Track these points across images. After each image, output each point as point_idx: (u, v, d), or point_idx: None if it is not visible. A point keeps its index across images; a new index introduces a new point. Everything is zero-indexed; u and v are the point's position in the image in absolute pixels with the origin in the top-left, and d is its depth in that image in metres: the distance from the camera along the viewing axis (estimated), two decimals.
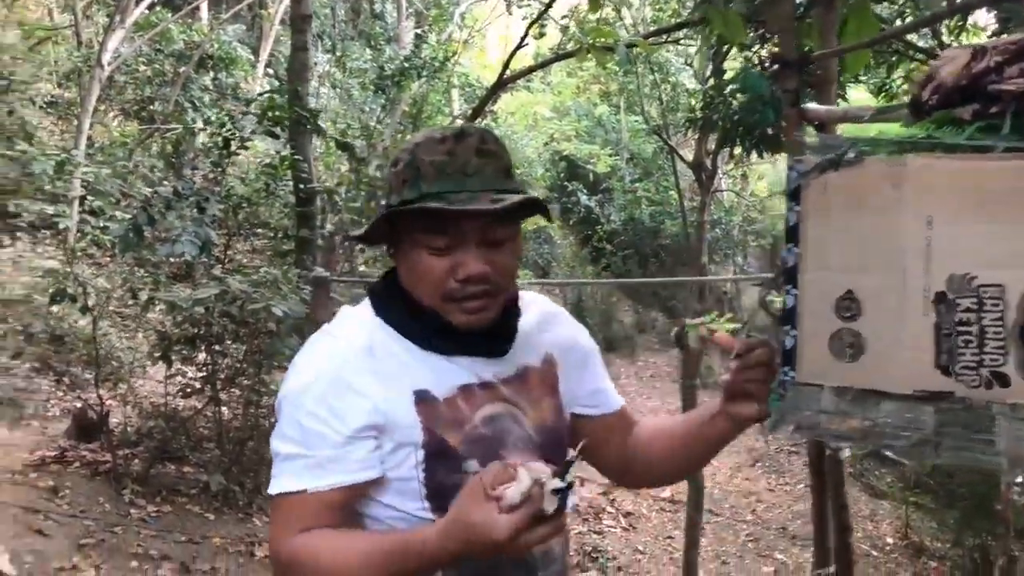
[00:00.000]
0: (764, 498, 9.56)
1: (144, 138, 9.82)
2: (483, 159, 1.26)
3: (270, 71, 13.03)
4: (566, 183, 16.47)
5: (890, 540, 8.88)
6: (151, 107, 10.38)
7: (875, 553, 8.37)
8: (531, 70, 8.27)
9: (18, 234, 8.23)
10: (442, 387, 1.30)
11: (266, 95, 7.07)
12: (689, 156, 14.27)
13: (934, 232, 1.24)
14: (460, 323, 1.29)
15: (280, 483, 1.24)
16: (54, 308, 6.51)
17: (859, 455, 10.38)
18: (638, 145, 16.95)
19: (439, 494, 1.26)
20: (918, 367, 1.24)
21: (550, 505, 1.06)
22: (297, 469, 1.24)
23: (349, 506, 1.26)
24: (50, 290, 5.54)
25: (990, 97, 1.27)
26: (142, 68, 10.46)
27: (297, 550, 1.22)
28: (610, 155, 16.48)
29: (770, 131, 4.98)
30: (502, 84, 7.55)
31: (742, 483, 9.93)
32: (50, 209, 6.25)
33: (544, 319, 1.47)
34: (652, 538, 8.11)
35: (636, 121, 15.93)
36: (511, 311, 1.39)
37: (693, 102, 12.13)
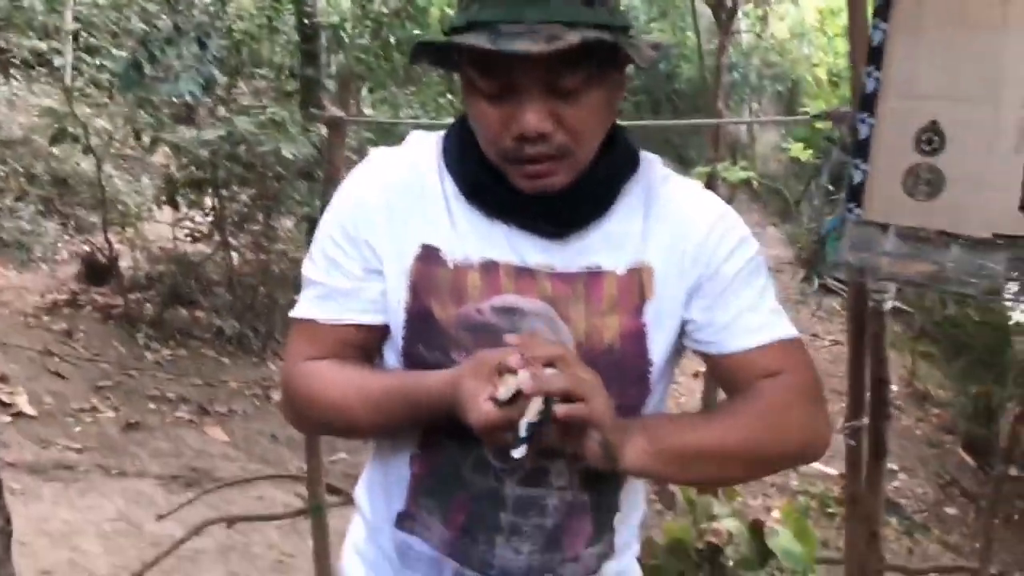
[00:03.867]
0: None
1: None
2: None
3: None
4: None
5: (895, 387, 9.02)
6: None
7: None
8: None
9: (12, 72, 7.97)
10: (460, 251, 1.08)
11: None
12: None
13: None
14: (522, 188, 1.05)
15: (298, 307, 1.15)
16: (55, 149, 6.36)
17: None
18: None
19: (418, 368, 1.10)
20: (1000, 208, 1.12)
21: (521, 429, 0.93)
22: (312, 296, 1.13)
23: (366, 346, 1.14)
24: (50, 130, 5.38)
25: None
26: None
27: (300, 374, 1.13)
28: None
29: None
30: None
31: None
32: (43, 45, 5.98)
33: (679, 216, 1.12)
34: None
35: None
36: (600, 186, 1.09)
37: None
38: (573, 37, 0.92)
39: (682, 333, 1.12)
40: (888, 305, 2.09)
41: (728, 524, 3.08)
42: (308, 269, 1.14)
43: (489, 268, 1.07)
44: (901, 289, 1.28)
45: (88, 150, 5.44)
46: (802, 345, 1.12)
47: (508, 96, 0.99)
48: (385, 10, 7.08)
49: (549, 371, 0.94)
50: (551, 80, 0.97)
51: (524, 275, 1.07)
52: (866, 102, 1.20)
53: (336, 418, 1.12)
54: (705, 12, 14.33)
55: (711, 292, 1.09)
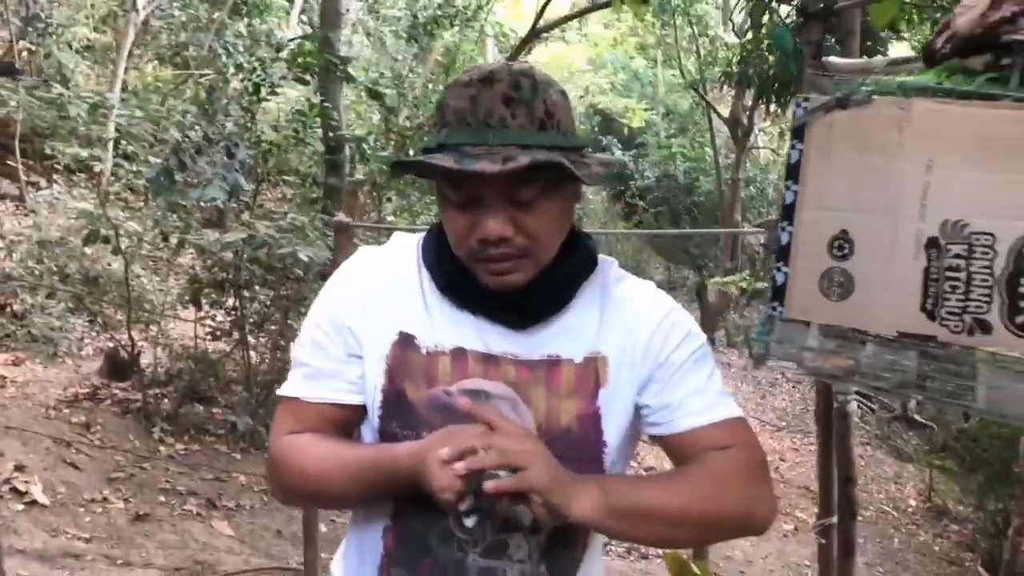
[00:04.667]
0: (788, 457, 9.58)
1: (178, 83, 9.87)
2: (511, 107, 1.11)
3: (304, 18, 12.98)
4: (600, 137, 16.34)
5: (913, 502, 8.88)
6: (185, 53, 10.41)
7: (895, 514, 8.37)
8: (565, 20, 8.19)
9: (55, 176, 8.38)
10: (433, 339, 1.20)
11: (296, 41, 7.07)
12: (726, 112, 14.13)
13: (933, 177, 1.24)
14: (487, 284, 1.17)
15: (286, 386, 1.26)
16: (88, 250, 6.64)
17: (887, 418, 10.36)
18: (674, 100, 16.75)
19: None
20: (904, 310, 1.25)
21: (464, 502, 1.07)
22: (299, 376, 1.25)
23: (346, 424, 1.25)
24: (84, 231, 5.65)
25: (1003, 48, 1.26)
26: (177, 13, 10.47)
27: (284, 446, 1.23)
28: (645, 109, 16.31)
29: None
30: (535, 34, 7.51)
31: (766, 442, 9.94)
32: (85, 152, 6.34)
33: (631, 312, 1.24)
34: None
35: (673, 75, 15.73)
36: (559, 284, 1.21)
37: (731, 56, 11.96)
38: (524, 159, 1.06)
39: (637, 417, 1.23)
40: (853, 407, 2.18)
41: None
42: (297, 351, 1.27)
43: (459, 354, 1.19)
44: (921, 402, 1.39)
45: (118, 251, 5.69)
46: (748, 425, 1.23)
47: (474, 205, 1.12)
48: (409, 124, 7.43)
49: (485, 447, 1.05)
50: (509, 192, 1.11)
51: (491, 361, 1.19)
52: (786, 212, 1.35)
53: (317, 489, 1.22)
54: (723, 128, 14.71)
55: (661, 379, 1.21)
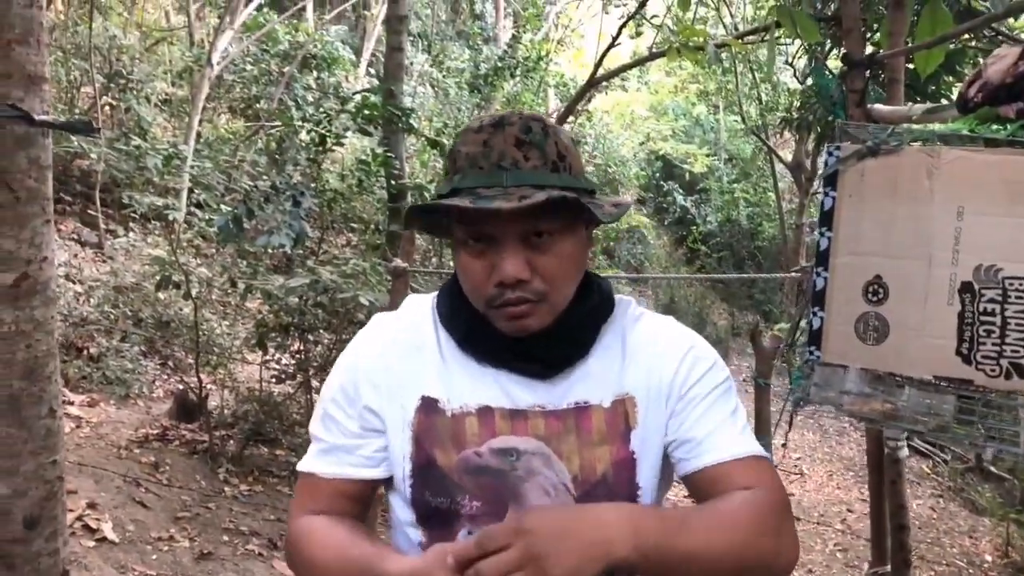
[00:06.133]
0: (856, 508, 9.31)
1: (249, 135, 10.25)
2: (523, 150, 1.12)
3: (371, 71, 13.39)
4: (662, 183, 16.37)
5: (989, 557, 8.53)
6: (256, 105, 10.81)
7: (970, 569, 8.06)
8: (623, 69, 8.29)
9: (131, 224, 8.73)
10: (457, 400, 1.17)
11: (360, 94, 7.31)
12: (788, 157, 14.07)
13: (964, 223, 1.26)
14: (504, 330, 1.15)
15: (303, 461, 1.24)
16: (161, 295, 6.89)
17: (960, 469, 10.02)
18: (736, 145, 16.74)
19: (427, 515, 1.18)
20: (939, 354, 1.26)
21: None
22: (315, 451, 1.23)
23: (362, 498, 1.23)
24: (157, 277, 5.88)
25: None
26: (249, 67, 10.90)
27: (298, 531, 1.20)
28: (707, 155, 16.32)
29: None
30: (594, 83, 7.60)
31: (833, 492, 9.70)
32: (160, 201, 6.61)
33: (653, 350, 1.22)
34: None
35: (735, 121, 15.74)
36: (578, 328, 1.20)
37: (793, 102, 11.93)
38: (540, 195, 1.06)
39: (666, 456, 1.20)
40: (904, 452, 2.16)
41: None
42: (313, 426, 1.25)
43: (485, 413, 1.16)
44: (999, 453, 1.40)
45: (188, 296, 5.89)
46: (771, 465, 1.19)
47: (489, 249, 1.11)
48: None
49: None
50: (525, 232, 1.10)
51: (518, 416, 1.16)
52: (821, 258, 1.38)
53: None
54: (786, 174, 14.61)
55: (685, 413, 1.17)
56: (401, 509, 1.20)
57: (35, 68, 1.69)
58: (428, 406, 1.17)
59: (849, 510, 9.20)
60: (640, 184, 15.98)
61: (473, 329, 1.18)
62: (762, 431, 6.03)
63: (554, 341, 1.16)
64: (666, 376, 1.20)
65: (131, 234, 8.65)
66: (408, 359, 1.20)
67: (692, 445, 1.17)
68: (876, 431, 2.08)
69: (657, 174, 16.64)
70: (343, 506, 1.21)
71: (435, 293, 1.27)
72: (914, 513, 9.43)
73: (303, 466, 1.23)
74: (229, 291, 6.86)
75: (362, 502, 1.23)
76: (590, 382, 1.18)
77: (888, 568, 2.19)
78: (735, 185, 16.43)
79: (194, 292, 6.09)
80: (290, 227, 5.45)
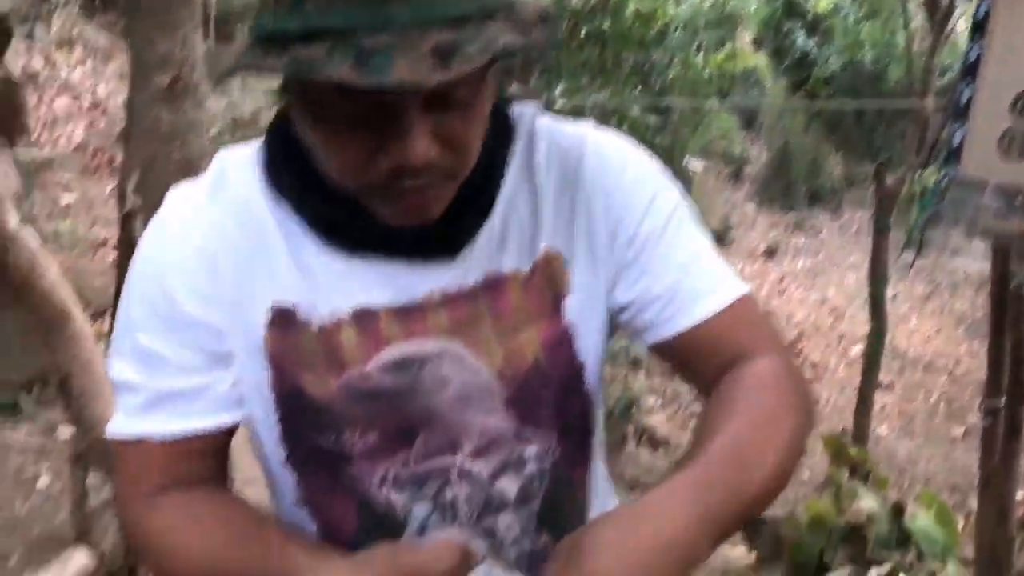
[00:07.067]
0: (963, 362, 9.18)
1: None
2: None
3: None
4: (782, 22, 15.51)
5: None
6: None
7: None
8: None
9: None
10: (324, 305, 0.83)
11: None
12: None
13: None
14: (389, 220, 0.80)
15: (115, 422, 0.86)
16: None
17: None
18: None
19: (304, 458, 0.86)
20: None
21: None
22: (134, 404, 0.84)
23: (223, 448, 0.89)
24: (274, 107, 6.03)
25: None
26: None
27: (150, 525, 0.84)
28: None
29: None
30: None
31: (941, 345, 9.56)
32: None
33: (574, 178, 0.88)
34: (839, 391, 8.02)
35: None
36: (481, 178, 0.84)
37: None
38: (471, 49, 0.66)
39: (613, 324, 0.92)
40: None
41: (869, 505, 3.12)
42: (119, 370, 0.85)
43: (365, 318, 0.83)
44: None
45: None
46: (756, 303, 0.91)
47: (375, 119, 0.72)
48: (579, 5, 7.34)
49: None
50: (431, 97, 0.72)
51: (411, 313, 0.83)
52: (968, 70, 1.32)
53: None
54: (918, 12, 13.66)
55: (640, 260, 0.88)
56: (268, 442, 0.87)
57: None
58: (283, 319, 0.82)
59: (957, 363, 9.08)
60: (759, 23, 15.17)
61: (338, 213, 0.81)
62: (878, 278, 5.93)
63: (453, 208, 0.81)
64: (598, 212, 0.88)
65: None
66: (240, 252, 0.82)
67: (661, 304, 0.87)
68: (1002, 267, 2.05)
69: (778, 12, 15.73)
70: (198, 470, 0.85)
71: (254, 149, 0.87)
72: None
73: (121, 429, 0.85)
74: None
75: (221, 455, 0.88)
76: (497, 244, 0.86)
77: (1002, 401, 2.19)
78: (861, 25, 15.42)
79: None
80: None
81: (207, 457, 0.86)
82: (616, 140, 0.92)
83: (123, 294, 0.85)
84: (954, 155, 1.34)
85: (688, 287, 0.87)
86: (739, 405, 0.81)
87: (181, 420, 0.83)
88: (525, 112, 0.91)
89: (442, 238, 0.83)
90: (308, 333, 0.82)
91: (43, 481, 3.60)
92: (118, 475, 0.89)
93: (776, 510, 4.72)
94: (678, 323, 0.87)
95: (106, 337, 3.08)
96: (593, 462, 0.96)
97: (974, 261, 10.33)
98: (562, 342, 0.87)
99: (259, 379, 0.83)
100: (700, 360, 0.88)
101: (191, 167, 1.46)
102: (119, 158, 6.67)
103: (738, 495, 0.74)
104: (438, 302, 0.84)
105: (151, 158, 1.50)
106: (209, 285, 0.82)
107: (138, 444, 0.83)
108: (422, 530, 0.86)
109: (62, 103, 7.35)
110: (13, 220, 2.15)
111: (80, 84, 7.75)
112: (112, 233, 5.90)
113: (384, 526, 0.86)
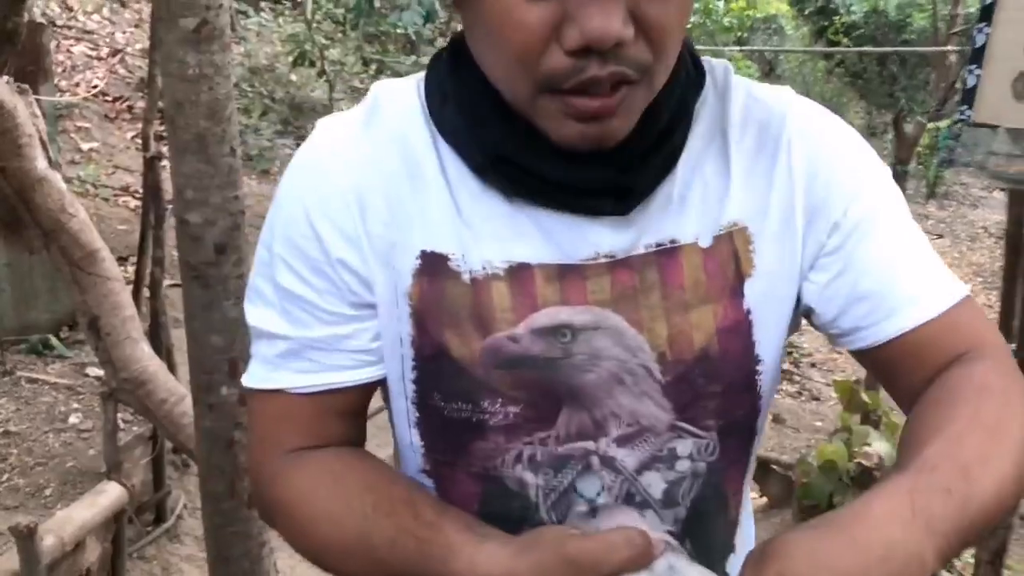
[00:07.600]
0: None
1: None
2: None
3: None
4: None
5: None
6: None
7: None
8: None
9: (262, 4, 8.83)
10: (478, 257, 0.74)
11: None
12: None
13: None
14: (563, 138, 0.69)
15: (253, 372, 0.80)
16: (293, 76, 7.07)
17: None
18: None
19: (436, 426, 0.78)
20: None
21: None
22: (273, 353, 0.78)
23: (362, 410, 0.82)
24: (292, 55, 6.03)
25: None
26: None
27: (289, 484, 0.78)
28: None
29: None
30: None
31: None
32: None
33: (774, 145, 0.77)
34: None
35: None
36: (667, 122, 0.74)
37: None
38: None
39: (811, 323, 0.81)
40: None
41: (880, 448, 3.18)
42: (257, 317, 0.79)
43: (520, 274, 0.74)
44: None
45: (322, 74, 6.04)
46: (976, 305, 0.79)
47: None
48: None
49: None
50: None
51: (571, 275, 0.74)
52: (985, 13, 1.34)
53: (330, 566, 0.78)
54: None
55: (838, 250, 0.76)
56: (400, 403, 0.79)
57: None
58: (433, 266, 0.74)
59: None
60: None
61: (501, 142, 0.72)
62: None
63: (633, 150, 0.71)
64: (801, 185, 0.76)
65: (262, 15, 8.78)
66: (393, 193, 0.75)
67: (870, 305, 0.75)
68: (1018, 211, 2.06)
69: None
70: (337, 430, 0.80)
71: (418, 79, 0.79)
72: None
73: (260, 381, 0.79)
74: (360, 72, 6.98)
75: (360, 417, 0.83)
76: (678, 208, 0.75)
77: (1014, 346, 2.22)
78: None
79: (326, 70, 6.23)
80: (420, 4, 5.42)
81: (347, 416, 0.80)
82: (823, 109, 0.81)
83: (264, 232, 0.78)
84: (969, 98, 1.36)
85: (903, 286, 0.75)
86: (959, 409, 0.70)
87: (323, 373, 0.77)
88: (717, 65, 0.81)
89: (614, 191, 0.72)
90: (457, 285, 0.74)
91: (75, 418, 3.71)
92: (252, 430, 0.84)
93: (787, 456, 4.79)
94: (890, 327, 0.75)
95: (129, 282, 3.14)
96: (748, 473, 0.85)
97: (992, 212, 10.26)
98: (739, 330, 0.76)
99: (399, 333, 0.75)
100: (910, 368, 0.76)
101: (219, 110, 1.50)
102: (139, 105, 6.73)
103: (964, 507, 0.63)
104: (601, 266, 0.74)
105: (178, 102, 1.53)
106: (359, 226, 0.74)
107: (275, 397, 0.78)
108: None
109: (80, 50, 7.36)
110: (42, 162, 2.19)
111: (97, 31, 7.76)
112: (133, 180, 5.96)
113: (509, 509, 0.77)
